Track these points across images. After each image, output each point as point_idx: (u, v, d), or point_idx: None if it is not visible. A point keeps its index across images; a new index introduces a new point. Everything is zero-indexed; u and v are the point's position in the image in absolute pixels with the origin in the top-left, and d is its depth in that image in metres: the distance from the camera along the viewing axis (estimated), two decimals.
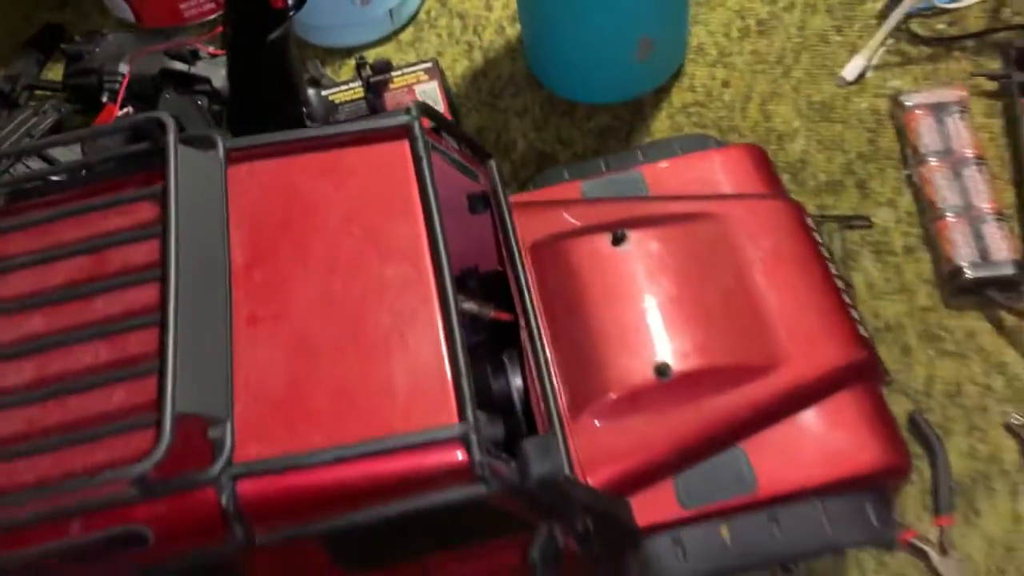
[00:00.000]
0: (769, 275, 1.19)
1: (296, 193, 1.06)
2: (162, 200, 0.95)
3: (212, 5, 2.03)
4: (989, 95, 1.72)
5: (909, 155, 1.66)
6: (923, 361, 1.48)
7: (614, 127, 1.78)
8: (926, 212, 1.59)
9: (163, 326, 0.87)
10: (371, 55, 1.90)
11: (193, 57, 1.78)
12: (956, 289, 1.52)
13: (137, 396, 0.89)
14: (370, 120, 1.16)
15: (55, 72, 1.93)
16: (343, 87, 1.75)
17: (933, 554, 1.31)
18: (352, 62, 1.88)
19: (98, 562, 0.89)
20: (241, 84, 1.61)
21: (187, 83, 1.74)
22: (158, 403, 0.83)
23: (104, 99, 1.72)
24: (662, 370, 1.09)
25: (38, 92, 1.92)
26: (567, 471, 0.94)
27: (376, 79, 1.74)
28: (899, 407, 1.43)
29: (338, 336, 0.96)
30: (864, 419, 1.11)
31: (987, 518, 1.35)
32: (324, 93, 1.73)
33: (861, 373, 1.14)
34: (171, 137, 0.99)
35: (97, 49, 1.76)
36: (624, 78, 1.77)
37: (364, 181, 1.07)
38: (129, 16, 2.01)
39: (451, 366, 0.93)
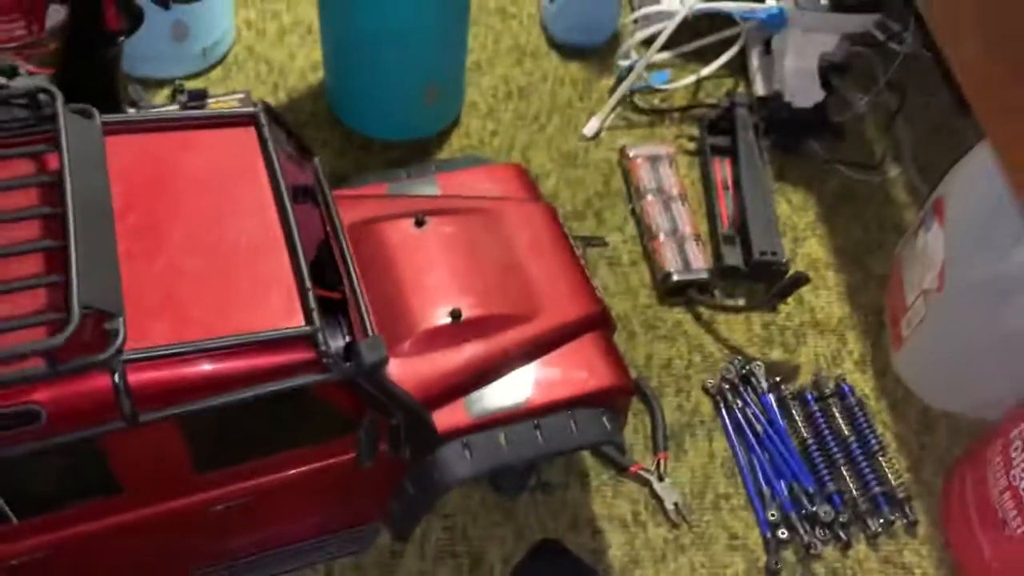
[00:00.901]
0: (531, 254, 1.55)
1: (162, 160, 1.29)
2: (58, 149, 1.15)
3: (23, 32, 2.15)
4: (689, 152, 2.24)
5: (633, 192, 2.12)
6: (643, 343, 1.90)
7: (405, 159, 2.11)
8: (645, 234, 2.05)
9: (67, 247, 1.07)
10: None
11: (12, 73, 1.91)
12: (667, 290, 1.97)
13: (40, 302, 1.07)
14: (223, 109, 1.40)
15: None
16: (160, 108, 1.95)
17: (654, 480, 1.69)
18: (167, 91, 2.09)
19: None
20: (69, 97, 1.78)
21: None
22: (66, 296, 1.02)
23: None
24: (455, 315, 1.40)
25: None
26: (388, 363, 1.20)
27: (192, 104, 1.96)
28: None
29: (202, 265, 1.19)
30: (600, 354, 1.48)
31: (691, 455, 1.76)
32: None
33: (597, 322, 1.52)
34: (60, 102, 1.20)
35: None
36: (413, 119, 2.12)
37: (219, 155, 1.32)
38: None
39: (298, 283, 1.18)
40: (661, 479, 1.70)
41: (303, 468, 1.29)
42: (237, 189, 1.29)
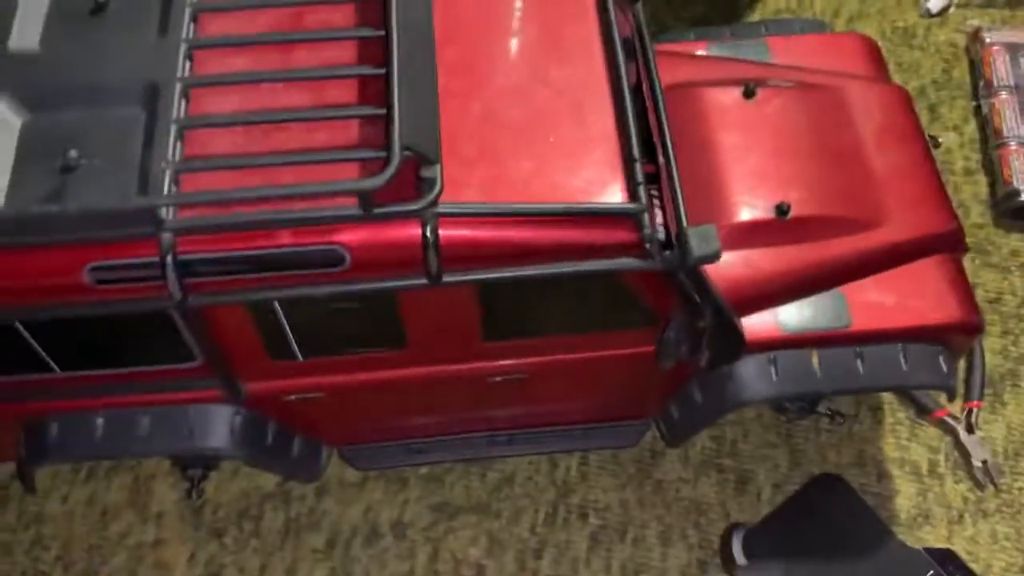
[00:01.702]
0: (880, 145, 1.30)
1: None
2: None
3: None
4: None
5: (982, 87, 1.77)
6: (970, 269, 1.59)
7: (709, 18, 1.86)
8: (991, 139, 1.72)
9: (388, 76, 0.95)
10: None
11: None
12: (1008, 210, 1.65)
13: (357, 134, 0.97)
14: None
15: None
16: None
17: (961, 430, 1.46)
18: None
19: (292, 275, 0.97)
20: None
21: None
22: (386, 136, 0.92)
23: None
24: (783, 209, 1.20)
25: None
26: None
27: None
28: None
29: (523, 114, 1.05)
30: (947, 282, 1.23)
31: (1010, 408, 1.50)
32: None
33: (949, 242, 1.27)
34: None
35: None
36: None
37: None
38: None
39: (623, 153, 1.02)
40: (971, 431, 1.46)
41: (591, 354, 1.17)
42: (565, 28, 1.12)
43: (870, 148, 1.30)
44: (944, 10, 1.90)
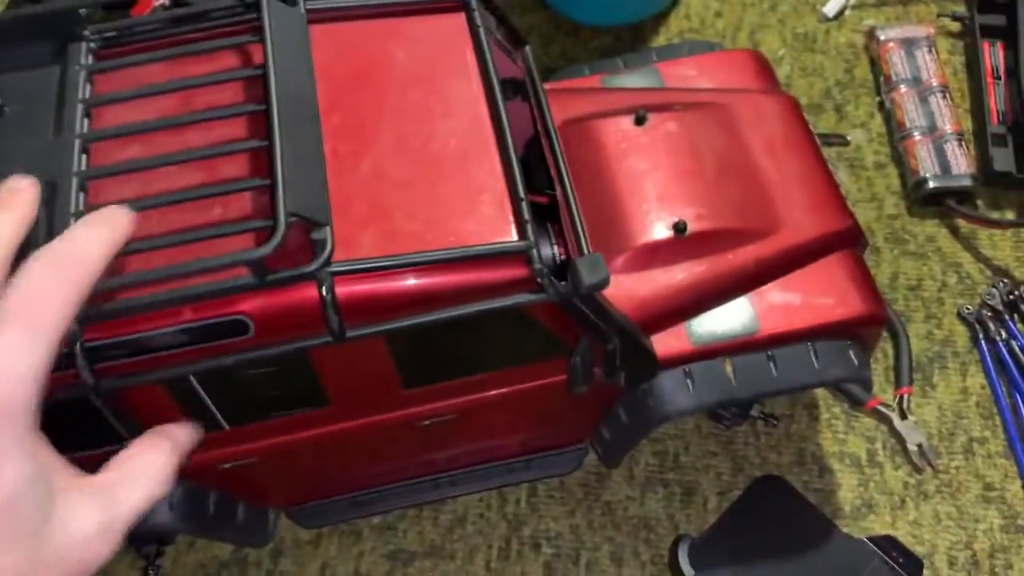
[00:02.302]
0: (770, 155, 1.34)
1: (367, 51, 1.17)
2: (262, 40, 1.06)
3: None
4: (953, 35, 1.91)
5: (882, 83, 1.84)
6: (889, 260, 1.67)
7: (616, 48, 1.92)
8: (895, 132, 1.78)
9: (271, 146, 0.99)
10: None
11: None
12: (919, 199, 1.70)
13: (244, 207, 1.01)
14: None
15: None
16: None
17: (895, 417, 1.49)
18: None
19: (199, 349, 1.00)
20: None
21: None
22: (272, 204, 0.95)
23: None
24: (680, 227, 1.23)
25: None
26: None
27: None
28: None
29: (410, 170, 1.08)
30: (848, 277, 1.27)
31: (940, 390, 1.54)
32: None
33: (847, 239, 1.30)
34: None
35: None
36: (627, 2, 1.91)
37: (427, 45, 1.19)
38: None
39: (511, 194, 1.06)
40: (904, 417, 1.50)
41: (514, 388, 1.19)
42: (446, 83, 1.16)
43: (762, 158, 1.35)
44: (840, 13, 1.97)
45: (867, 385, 1.32)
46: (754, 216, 1.29)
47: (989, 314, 1.58)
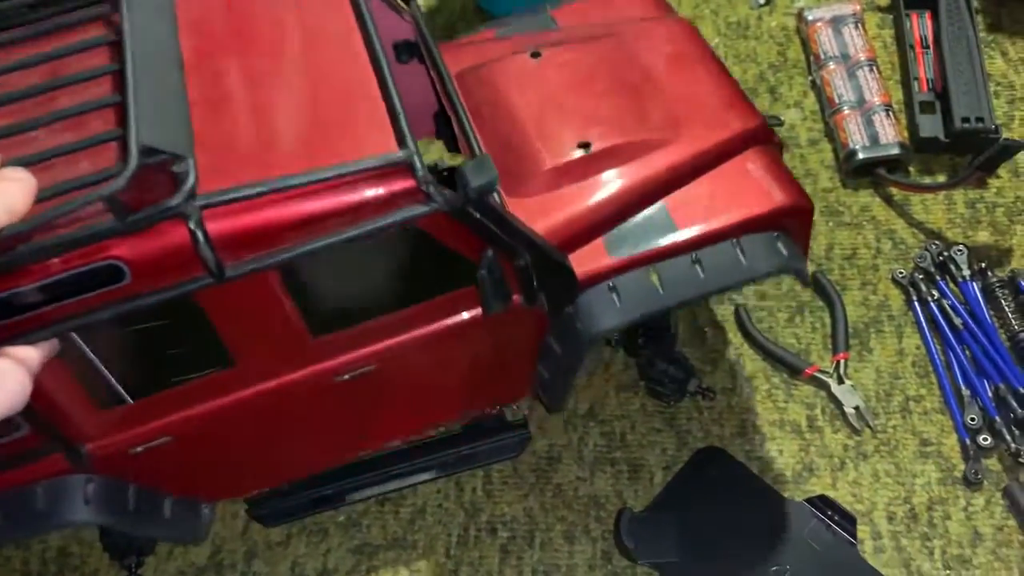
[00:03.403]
0: (669, 71, 1.34)
1: (238, 9, 1.16)
2: (117, 7, 1.06)
3: None
4: (881, 9, 1.96)
5: (812, 62, 1.89)
6: (824, 232, 1.72)
7: None
8: (826, 108, 1.83)
9: (123, 92, 0.96)
10: None
11: None
12: (851, 171, 1.75)
13: (108, 161, 0.97)
14: None
15: None
16: None
17: (832, 383, 1.54)
18: None
19: (77, 303, 0.96)
20: None
21: None
22: (123, 134, 0.92)
23: None
24: (584, 146, 1.23)
25: None
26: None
27: None
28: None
29: (286, 100, 1.06)
30: (766, 170, 1.25)
31: (876, 353, 1.59)
32: None
33: (758, 137, 1.29)
34: None
35: None
36: None
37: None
38: None
39: (388, 108, 1.04)
40: (841, 381, 1.55)
41: (435, 326, 1.16)
42: (320, 20, 1.15)
43: (661, 75, 1.34)
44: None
45: (802, 277, 1.30)
46: (658, 126, 1.28)
47: (921, 276, 1.63)
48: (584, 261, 1.19)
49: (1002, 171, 1.71)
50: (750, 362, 1.60)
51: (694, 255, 1.20)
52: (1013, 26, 1.90)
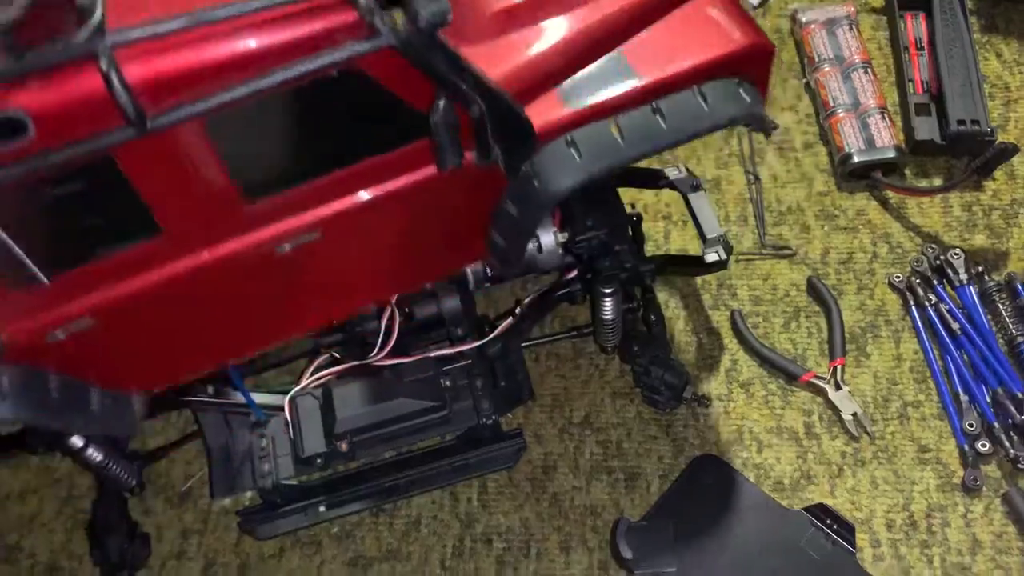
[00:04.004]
0: None
1: None
2: None
3: None
4: (875, 11, 1.95)
5: (806, 64, 1.88)
6: (820, 236, 1.71)
7: None
8: (820, 111, 1.82)
9: None
10: None
11: None
12: (847, 174, 1.74)
13: None
14: None
15: None
16: None
17: (829, 389, 1.53)
18: None
19: None
20: None
21: None
22: None
23: None
24: None
25: None
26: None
27: None
28: (800, 275, 1.66)
29: None
30: (723, 14, 1.17)
31: (874, 358, 1.58)
32: None
33: None
34: None
35: None
36: None
37: None
38: None
39: None
40: (838, 387, 1.53)
41: (382, 187, 1.05)
42: None
43: None
44: (765, 1, 2.00)
45: (763, 124, 1.23)
46: None
47: (918, 280, 1.62)
48: (540, 113, 1.05)
49: (998, 174, 1.70)
50: (746, 368, 1.58)
51: (655, 104, 1.12)
52: (1007, 27, 1.89)
